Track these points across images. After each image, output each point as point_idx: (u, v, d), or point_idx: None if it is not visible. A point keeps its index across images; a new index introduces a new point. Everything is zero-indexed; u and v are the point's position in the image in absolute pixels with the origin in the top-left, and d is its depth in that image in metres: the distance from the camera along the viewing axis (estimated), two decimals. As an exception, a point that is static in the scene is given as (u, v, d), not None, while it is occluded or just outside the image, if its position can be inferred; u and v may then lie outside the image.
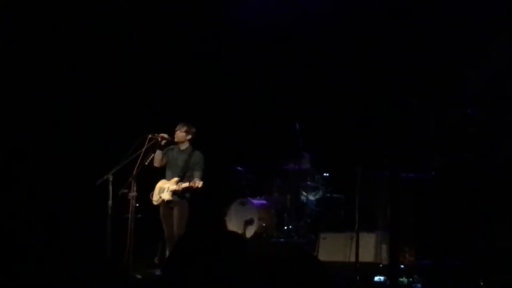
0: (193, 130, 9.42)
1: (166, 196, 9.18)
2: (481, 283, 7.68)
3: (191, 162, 9.26)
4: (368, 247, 8.97)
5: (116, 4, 11.19)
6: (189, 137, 9.38)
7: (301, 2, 11.20)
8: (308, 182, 11.32)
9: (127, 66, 11.48)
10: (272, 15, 11.20)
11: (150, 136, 8.86)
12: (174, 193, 9.13)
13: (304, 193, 11.25)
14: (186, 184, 8.98)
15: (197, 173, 9.15)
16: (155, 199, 9.29)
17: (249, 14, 11.31)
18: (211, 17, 11.78)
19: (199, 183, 8.86)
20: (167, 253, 9.22)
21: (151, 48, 11.62)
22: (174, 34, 11.70)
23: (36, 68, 10.69)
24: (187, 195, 9.17)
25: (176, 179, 9.16)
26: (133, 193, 8.54)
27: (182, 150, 9.38)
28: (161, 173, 9.49)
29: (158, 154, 9.22)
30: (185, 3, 11.59)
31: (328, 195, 11.25)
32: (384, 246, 9.07)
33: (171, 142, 9.28)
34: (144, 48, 11.58)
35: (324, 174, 11.42)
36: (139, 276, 8.39)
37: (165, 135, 9.12)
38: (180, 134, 9.35)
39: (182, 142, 9.38)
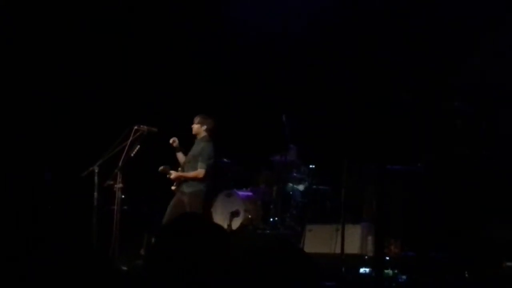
0: (209, 121, 9.55)
1: (173, 186, 9.47)
2: (467, 275, 7.72)
3: (196, 152, 9.38)
4: (354, 239, 8.99)
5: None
6: (205, 127, 9.50)
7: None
8: (294, 174, 11.32)
9: (114, 58, 11.44)
10: (259, 10, 11.20)
11: (136, 127, 8.82)
12: (172, 180, 9.40)
13: (290, 185, 11.25)
14: (170, 172, 9.35)
15: (200, 164, 9.37)
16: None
17: (239, 9, 11.30)
18: (203, 10, 11.76)
19: (171, 175, 9.36)
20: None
21: (139, 40, 11.58)
22: (163, 26, 11.67)
23: (22, 59, 10.64)
24: (188, 188, 9.33)
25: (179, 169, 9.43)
26: (119, 185, 8.53)
27: (196, 141, 9.51)
28: (148, 165, 9.52)
29: (179, 156, 9.58)
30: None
31: (314, 187, 11.24)
32: (369, 238, 9.10)
33: (153, 133, 9.27)
34: (132, 40, 11.55)
35: (310, 166, 11.41)
36: (125, 268, 8.38)
37: (148, 127, 9.10)
38: (195, 126, 9.57)
39: (198, 133, 9.51)
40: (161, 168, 9.41)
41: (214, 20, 11.81)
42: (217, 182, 11.52)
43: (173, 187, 9.50)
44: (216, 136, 9.67)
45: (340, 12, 10.96)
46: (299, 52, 11.65)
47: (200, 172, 9.33)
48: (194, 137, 9.64)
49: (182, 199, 9.35)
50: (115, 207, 8.51)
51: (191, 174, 9.34)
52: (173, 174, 9.39)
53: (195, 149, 9.51)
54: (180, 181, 9.43)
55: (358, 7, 10.75)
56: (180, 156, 9.56)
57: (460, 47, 9.80)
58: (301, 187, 11.31)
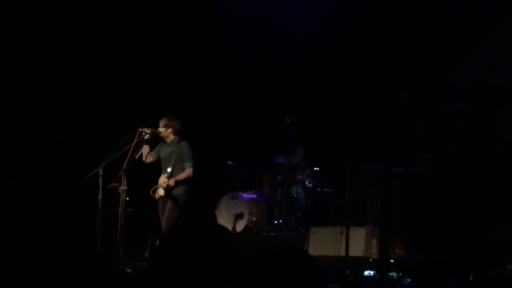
0: (172, 122, 9.40)
1: (161, 192, 9.20)
2: (471, 278, 7.72)
3: (177, 154, 9.27)
4: (358, 242, 8.99)
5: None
6: (170, 130, 9.38)
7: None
8: (299, 176, 11.32)
9: (117, 60, 11.45)
10: (260, 10, 11.22)
11: (140, 130, 8.85)
12: (166, 189, 9.15)
13: (295, 187, 11.25)
14: (169, 182, 9.05)
15: (187, 164, 9.21)
16: (156, 194, 9.32)
17: (239, 9, 11.32)
18: (204, 10, 11.77)
19: (171, 182, 9.02)
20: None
21: (141, 42, 11.59)
22: (164, 28, 11.68)
23: (24, 60, 10.65)
24: (179, 190, 9.18)
25: (165, 174, 9.17)
26: (123, 187, 8.53)
27: (169, 144, 9.41)
28: (153, 167, 9.49)
29: (144, 149, 9.25)
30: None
31: (319, 189, 11.25)
32: (374, 241, 9.10)
33: (157, 135, 9.26)
34: (133, 42, 11.56)
35: (315, 168, 11.42)
36: (129, 270, 8.39)
37: (152, 130, 9.10)
38: (162, 130, 9.38)
39: (167, 137, 9.40)
40: (164, 181, 9.17)
41: (215, 21, 11.82)
42: (222, 185, 11.55)
43: (157, 195, 9.31)
44: (184, 135, 9.56)
45: (341, 12, 10.97)
46: (301, 53, 11.65)
47: (190, 171, 9.22)
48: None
49: (166, 201, 9.27)
50: (120, 209, 8.51)
51: (184, 175, 9.19)
52: (171, 181, 9.13)
53: (174, 151, 9.33)
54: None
55: (359, 7, 10.75)
56: (146, 149, 9.35)
57: (460, 47, 9.79)
58: (305, 190, 11.32)
